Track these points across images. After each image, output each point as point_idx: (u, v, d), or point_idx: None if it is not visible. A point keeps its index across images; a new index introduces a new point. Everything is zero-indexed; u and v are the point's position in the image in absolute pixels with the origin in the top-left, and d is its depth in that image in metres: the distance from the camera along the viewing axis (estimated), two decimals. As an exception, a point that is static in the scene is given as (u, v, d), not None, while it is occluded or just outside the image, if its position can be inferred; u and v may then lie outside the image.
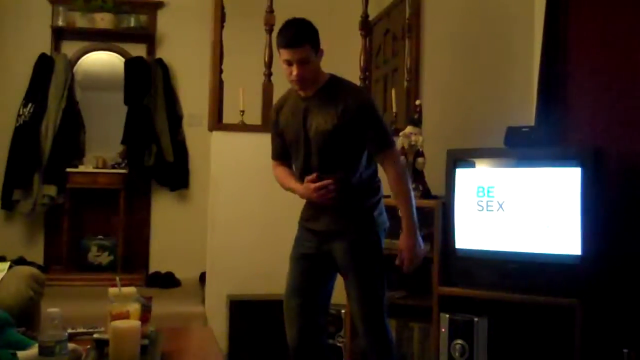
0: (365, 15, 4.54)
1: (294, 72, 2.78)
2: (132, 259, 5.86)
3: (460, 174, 3.65)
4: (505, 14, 4.49)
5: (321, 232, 2.93)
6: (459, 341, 3.50)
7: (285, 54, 2.79)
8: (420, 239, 2.95)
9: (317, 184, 2.83)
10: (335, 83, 2.92)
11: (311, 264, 2.96)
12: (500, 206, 3.53)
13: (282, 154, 3.07)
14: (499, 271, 3.48)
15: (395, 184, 2.88)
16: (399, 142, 3.97)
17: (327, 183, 2.82)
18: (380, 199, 3.02)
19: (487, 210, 3.57)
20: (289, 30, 2.81)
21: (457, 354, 3.50)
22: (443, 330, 3.55)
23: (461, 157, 3.67)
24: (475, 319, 3.48)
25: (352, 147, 2.87)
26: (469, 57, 4.47)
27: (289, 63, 2.79)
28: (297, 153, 2.95)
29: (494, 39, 4.47)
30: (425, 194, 3.89)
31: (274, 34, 4.36)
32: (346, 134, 2.82)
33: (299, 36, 2.78)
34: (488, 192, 3.58)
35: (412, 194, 2.95)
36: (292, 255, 3.02)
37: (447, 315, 3.55)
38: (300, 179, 2.94)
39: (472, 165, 3.66)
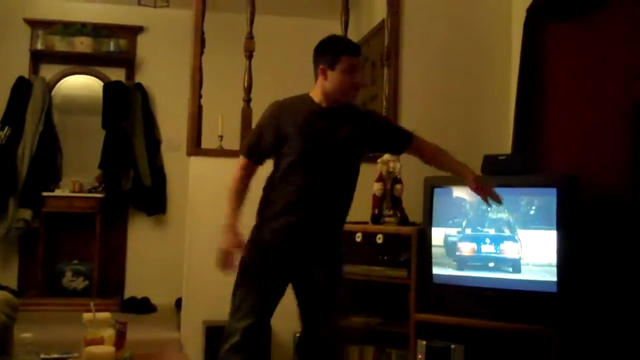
0: (344, 43, 4.58)
1: (358, 79, 2.92)
2: (108, 284, 5.81)
3: (438, 201, 3.67)
4: (483, 44, 4.55)
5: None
6: (436, 368, 3.49)
7: (352, 61, 2.88)
8: None
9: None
10: (351, 104, 3.05)
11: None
12: (476, 233, 3.55)
13: (260, 155, 2.97)
14: (476, 298, 3.49)
15: (438, 149, 3.14)
16: (378, 168, 3.99)
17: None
18: None
19: (464, 237, 3.59)
20: (349, 41, 3.10)
21: (433, 381, 3.49)
22: (420, 356, 3.55)
23: (438, 185, 3.69)
24: (452, 346, 3.49)
25: (360, 162, 3.02)
26: (447, 85, 4.52)
27: (352, 70, 2.88)
28: (304, 161, 2.86)
29: (471, 68, 4.53)
30: (403, 220, 3.91)
31: (254, 60, 4.42)
32: (365, 146, 3.02)
33: (359, 47, 3.01)
34: (465, 219, 3.60)
35: None
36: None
37: (424, 342, 3.54)
38: (300, 191, 2.86)
39: (450, 192, 3.68)
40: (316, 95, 2.94)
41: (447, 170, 3.17)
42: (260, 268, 2.91)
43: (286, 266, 2.93)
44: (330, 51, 2.90)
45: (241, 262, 2.92)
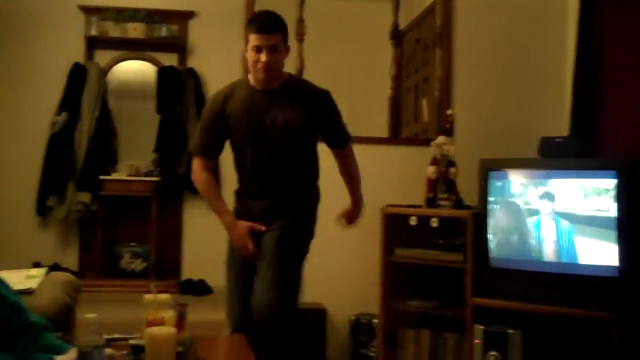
0: (395, 25, 4.56)
1: (262, 59, 2.80)
2: (165, 266, 5.89)
3: (493, 184, 3.63)
4: (539, 22, 4.46)
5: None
6: (493, 353, 3.47)
7: (256, 40, 2.81)
8: None
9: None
10: (297, 81, 3.04)
11: None
12: (534, 216, 3.50)
13: (213, 150, 3.03)
14: (534, 283, 3.45)
15: (354, 170, 3.13)
16: (431, 151, 3.96)
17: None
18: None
19: (521, 220, 3.54)
20: (264, 17, 2.89)
21: (490, 365, 3.47)
22: (477, 341, 3.52)
23: (494, 167, 3.65)
24: (510, 331, 3.45)
25: (311, 144, 3.01)
26: (501, 65, 4.45)
27: (259, 50, 2.81)
28: (248, 147, 2.92)
29: (526, 47, 4.45)
30: (458, 204, 3.87)
31: (305, 43, 4.41)
32: (311, 131, 2.95)
33: (273, 23, 2.85)
34: (521, 202, 3.55)
35: None
36: None
37: (482, 327, 3.52)
38: (246, 174, 2.97)
39: (505, 175, 3.63)
40: (250, 77, 2.95)
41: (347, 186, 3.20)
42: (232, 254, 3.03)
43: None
44: (246, 28, 2.91)
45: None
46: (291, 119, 2.87)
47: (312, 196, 3.07)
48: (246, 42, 2.86)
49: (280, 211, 2.95)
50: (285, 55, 2.91)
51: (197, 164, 3.05)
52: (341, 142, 3.05)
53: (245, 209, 3.01)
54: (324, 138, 3.04)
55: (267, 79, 2.86)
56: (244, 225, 2.93)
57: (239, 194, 3.08)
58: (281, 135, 2.88)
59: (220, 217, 2.99)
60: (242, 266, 2.99)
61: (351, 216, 3.19)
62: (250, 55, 2.84)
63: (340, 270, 4.31)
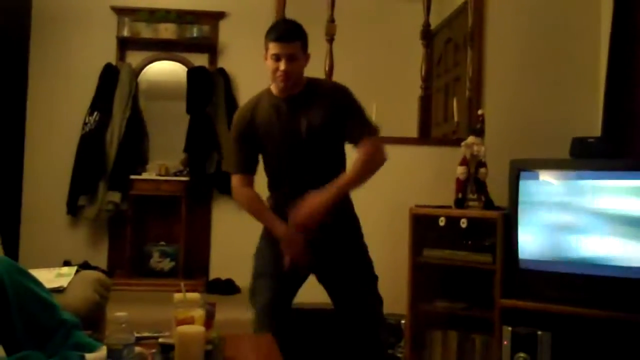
0: (426, 24, 4.53)
1: (281, 67, 2.78)
2: (193, 265, 5.93)
3: (524, 184, 3.59)
4: (571, 22, 4.42)
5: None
6: (522, 354, 3.43)
7: (274, 48, 2.79)
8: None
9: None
10: (315, 83, 2.97)
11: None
12: (565, 217, 3.46)
13: (250, 166, 3.00)
14: (564, 284, 3.41)
15: (366, 165, 2.85)
16: (461, 151, 3.93)
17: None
18: None
19: (551, 221, 3.50)
20: (282, 26, 2.92)
21: (519, 367, 3.44)
22: (505, 343, 3.49)
23: (525, 168, 3.61)
24: (539, 333, 3.42)
25: (340, 144, 2.97)
26: (533, 66, 4.41)
27: (277, 58, 2.79)
28: (281, 155, 2.91)
29: (558, 47, 4.40)
30: (488, 204, 3.84)
31: (335, 43, 4.41)
32: (336, 129, 2.88)
33: (292, 32, 2.84)
34: (552, 203, 3.51)
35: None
36: None
37: (510, 328, 3.49)
38: (282, 184, 2.93)
39: (536, 175, 3.60)
40: (273, 86, 2.93)
41: None
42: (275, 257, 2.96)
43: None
44: (265, 37, 2.87)
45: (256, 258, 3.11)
46: (316, 121, 2.86)
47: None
48: (266, 50, 2.86)
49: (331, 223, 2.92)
50: (305, 63, 2.90)
51: (236, 182, 3.02)
52: (362, 136, 2.88)
53: (282, 213, 2.95)
54: (346, 135, 2.93)
55: (286, 88, 2.85)
56: (300, 238, 2.85)
57: (272, 202, 3.03)
58: (310, 138, 2.87)
59: (274, 230, 2.93)
60: (287, 269, 2.95)
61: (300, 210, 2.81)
62: (270, 64, 2.84)
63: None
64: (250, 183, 3.01)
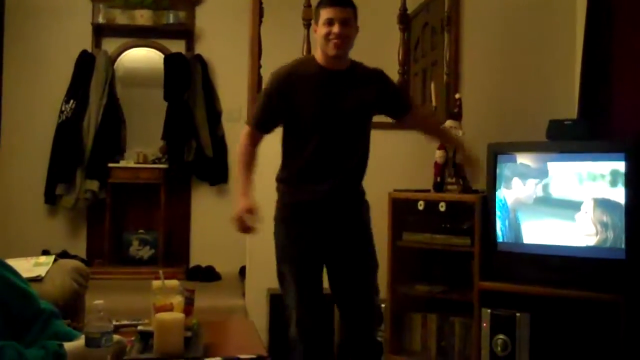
0: (403, 9, 4.52)
1: (335, 30, 2.78)
2: (173, 252, 5.93)
3: (501, 167, 3.62)
4: (547, 5, 4.42)
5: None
6: (501, 336, 3.46)
7: (329, 13, 2.81)
8: None
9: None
10: (357, 64, 3.00)
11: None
12: (542, 200, 3.49)
13: (269, 125, 2.96)
14: (541, 266, 3.44)
15: (437, 121, 3.58)
16: (439, 135, 3.94)
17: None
18: None
19: (528, 203, 3.53)
20: None
21: (499, 349, 3.47)
22: (484, 325, 3.52)
23: (502, 151, 3.63)
24: (517, 314, 3.45)
25: (370, 126, 3.06)
26: (510, 49, 4.42)
27: (331, 22, 2.80)
28: (315, 128, 2.86)
29: (534, 30, 4.41)
30: (466, 188, 3.86)
31: (312, 28, 4.39)
32: (375, 111, 3.07)
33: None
34: (529, 185, 3.54)
35: None
36: None
37: (489, 310, 3.52)
38: (307, 157, 2.88)
39: (514, 158, 3.62)
40: (318, 57, 2.92)
41: (436, 136, 3.52)
42: (297, 238, 2.93)
43: (319, 229, 2.93)
44: (316, 7, 2.92)
45: (276, 242, 3.00)
46: (363, 99, 2.91)
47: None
48: (316, 19, 2.88)
49: (344, 195, 2.96)
50: (355, 34, 2.89)
51: (248, 135, 2.97)
52: (410, 106, 3.19)
53: (302, 195, 2.93)
54: (394, 113, 3.17)
55: (339, 54, 2.83)
56: (251, 202, 2.84)
57: (291, 179, 2.97)
58: (354, 116, 2.90)
59: (240, 189, 2.91)
60: (308, 262, 2.95)
61: (469, 158, 3.39)
62: (322, 30, 2.82)
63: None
64: (258, 141, 2.98)
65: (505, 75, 4.40)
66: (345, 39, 2.81)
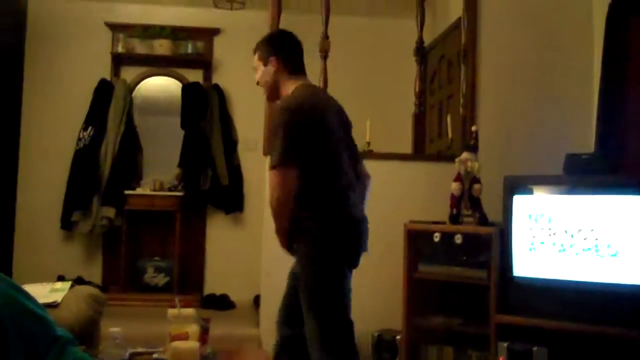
0: (420, 41, 4.55)
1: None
2: (188, 280, 5.93)
3: (518, 200, 3.60)
4: (563, 40, 4.44)
5: None
6: (518, 370, 3.43)
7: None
8: None
9: None
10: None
11: None
12: (559, 234, 3.47)
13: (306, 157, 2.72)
14: (558, 300, 3.41)
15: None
16: (455, 167, 3.94)
17: None
18: None
19: (546, 237, 3.51)
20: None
21: (515, 383, 3.43)
22: (501, 359, 3.48)
23: (518, 184, 3.62)
24: (534, 348, 3.41)
25: None
26: (526, 82, 4.43)
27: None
28: (343, 150, 2.85)
29: (551, 65, 4.42)
30: (482, 220, 3.85)
31: (329, 60, 4.43)
32: None
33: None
34: (546, 219, 3.52)
35: None
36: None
37: (505, 344, 3.48)
38: (346, 180, 2.80)
39: (530, 192, 3.61)
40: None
41: None
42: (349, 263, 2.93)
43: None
44: None
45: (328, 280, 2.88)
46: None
47: None
48: None
49: None
50: (267, 74, 2.95)
51: (292, 176, 2.65)
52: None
53: (355, 211, 2.84)
54: None
55: (268, 100, 3.13)
56: None
57: (337, 200, 2.80)
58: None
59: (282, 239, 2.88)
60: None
61: None
62: None
63: (363, 286, 4.28)
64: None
65: (522, 108, 4.40)
66: (263, 85, 2.99)
